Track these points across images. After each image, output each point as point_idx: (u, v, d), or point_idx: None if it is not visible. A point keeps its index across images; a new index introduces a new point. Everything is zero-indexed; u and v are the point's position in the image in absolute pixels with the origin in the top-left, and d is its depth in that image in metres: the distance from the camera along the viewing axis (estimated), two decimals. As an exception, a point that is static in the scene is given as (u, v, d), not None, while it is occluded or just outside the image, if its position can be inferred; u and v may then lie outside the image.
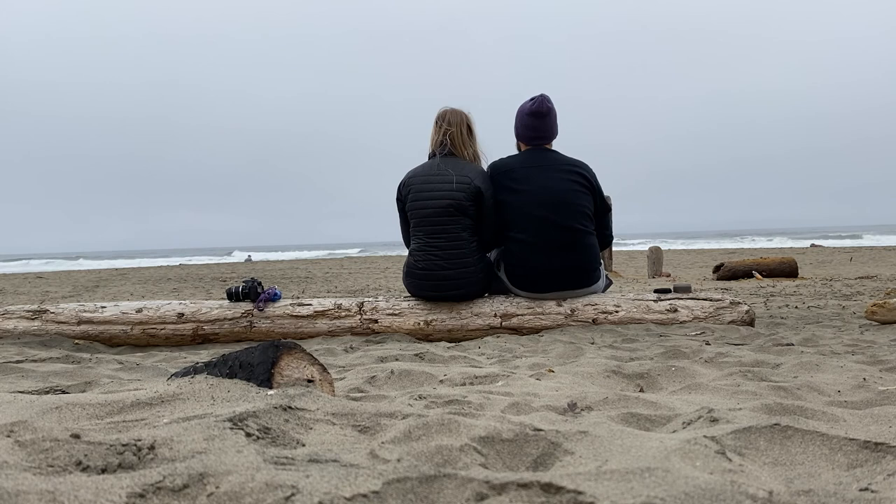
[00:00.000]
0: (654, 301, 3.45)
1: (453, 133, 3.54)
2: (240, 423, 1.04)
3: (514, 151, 3.74)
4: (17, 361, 2.48)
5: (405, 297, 3.67)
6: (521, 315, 3.46)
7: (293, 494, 0.75)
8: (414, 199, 3.50)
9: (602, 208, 3.61)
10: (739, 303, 3.43)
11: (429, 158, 3.61)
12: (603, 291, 3.68)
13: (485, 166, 3.65)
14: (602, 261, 3.69)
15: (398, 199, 3.61)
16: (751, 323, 3.40)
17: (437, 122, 3.58)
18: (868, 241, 31.15)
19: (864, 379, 1.77)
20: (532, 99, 3.58)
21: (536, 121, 3.56)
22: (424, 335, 3.47)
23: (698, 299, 3.45)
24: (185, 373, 1.51)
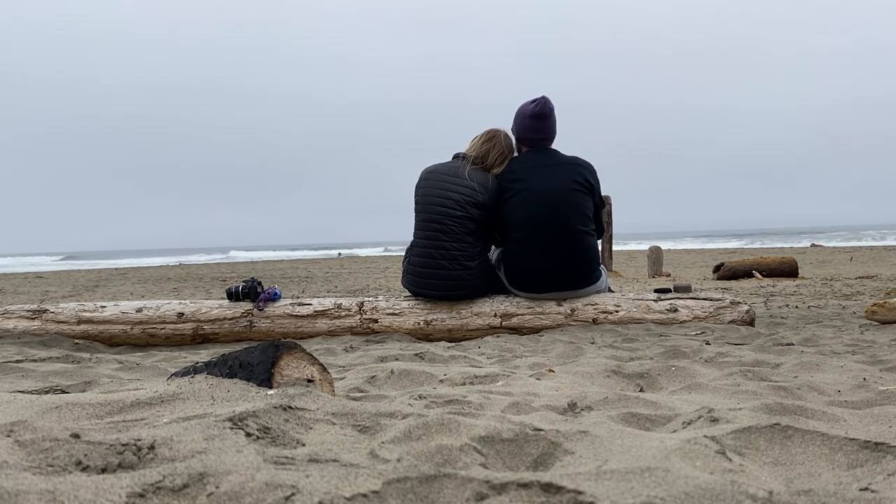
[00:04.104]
0: (654, 301, 3.45)
1: (495, 156, 3.57)
2: (240, 423, 1.04)
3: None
4: (17, 361, 2.48)
5: (405, 296, 3.67)
6: (521, 315, 3.46)
7: (293, 494, 0.75)
8: (423, 195, 3.55)
9: (598, 205, 3.62)
10: (739, 302, 3.43)
11: (452, 158, 3.64)
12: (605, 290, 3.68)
13: None
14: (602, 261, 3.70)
15: (416, 190, 3.65)
16: (751, 323, 3.40)
17: (487, 138, 3.60)
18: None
19: (865, 379, 1.77)
20: (534, 101, 3.58)
21: (539, 122, 3.56)
22: (424, 335, 3.47)
23: (698, 299, 3.45)
24: (185, 373, 1.51)
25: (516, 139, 3.68)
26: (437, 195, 3.50)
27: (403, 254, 3.74)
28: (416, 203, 3.59)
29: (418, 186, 3.60)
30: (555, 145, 3.67)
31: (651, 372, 1.94)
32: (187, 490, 0.78)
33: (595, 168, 3.62)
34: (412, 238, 3.63)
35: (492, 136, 3.61)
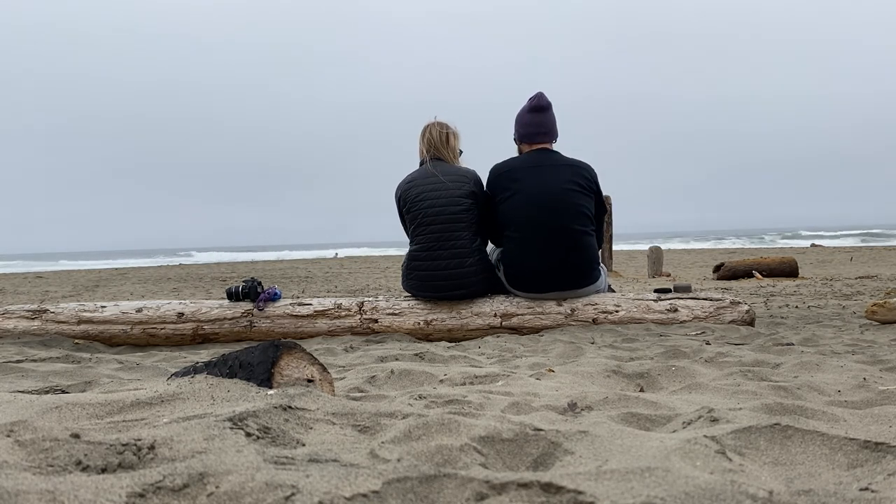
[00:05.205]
0: (654, 301, 3.45)
1: (441, 142, 3.68)
2: (240, 423, 1.04)
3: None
4: (17, 361, 2.48)
5: (405, 296, 3.67)
6: (521, 315, 3.46)
7: (293, 494, 0.75)
8: (415, 202, 3.57)
9: (599, 210, 3.62)
10: (739, 302, 3.43)
11: (420, 166, 3.73)
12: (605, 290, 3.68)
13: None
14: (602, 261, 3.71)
15: (398, 205, 3.71)
16: (751, 323, 3.40)
17: (424, 134, 3.73)
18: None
19: (865, 379, 1.77)
20: (530, 97, 3.62)
21: (537, 116, 3.58)
22: (424, 335, 3.47)
23: (698, 299, 3.45)
24: (185, 372, 1.51)
25: (518, 140, 3.70)
26: (426, 198, 3.54)
27: (403, 260, 3.76)
28: (407, 213, 3.62)
29: (403, 199, 3.64)
30: (557, 146, 3.68)
31: (651, 372, 1.94)
32: (187, 490, 0.78)
33: (596, 171, 3.63)
34: (409, 248, 3.66)
35: (424, 130, 3.72)
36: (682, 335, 2.98)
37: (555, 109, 3.65)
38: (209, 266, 19.23)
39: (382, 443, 1.03)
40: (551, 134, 3.63)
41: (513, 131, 3.72)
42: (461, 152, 3.78)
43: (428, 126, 3.73)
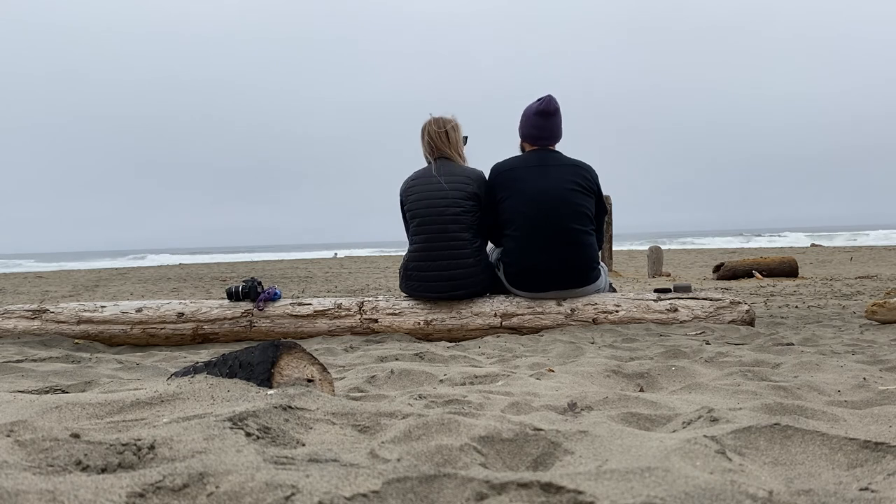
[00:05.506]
0: (654, 301, 3.45)
1: (442, 140, 3.62)
2: (240, 423, 1.04)
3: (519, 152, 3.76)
4: (17, 361, 2.48)
5: (405, 296, 3.67)
6: (521, 315, 3.46)
7: (293, 494, 0.75)
8: (414, 201, 3.56)
9: (600, 211, 3.62)
10: (739, 302, 3.43)
11: (427, 164, 3.69)
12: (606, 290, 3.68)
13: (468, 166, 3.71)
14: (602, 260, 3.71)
15: (401, 203, 3.68)
16: (751, 322, 3.40)
17: (423, 135, 3.66)
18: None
19: (864, 378, 1.77)
20: (539, 99, 3.61)
21: (543, 120, 3.58)
22: (424, 335, 3.47)
23: (698, 299, 3.45)
24: (185, 372, 1.51)
25: (521, 138, 3.69)
26: (428, 197, 3.51)
27: (402, 262, 3.74)
28: (408, 211, 3.59)
29: (406, 196, 3.61)
30: (558, 146, 3.68)
31: (651, 372, 1.94)
32: (187, 490, 0.78)
33: (596, 172, 3.63)
34: (407, 249, 3.64)
35: (422, 131, 3.65)
36: (682, 335, 2.99)
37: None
38: (209, 266, 19.23)
39: (382, 443, 1.03)
40: (555, 137, 3.63)
41: (518, 125, 3.70)
42: (466, 138, 3.69)
43: (426, 125, 3.65)
